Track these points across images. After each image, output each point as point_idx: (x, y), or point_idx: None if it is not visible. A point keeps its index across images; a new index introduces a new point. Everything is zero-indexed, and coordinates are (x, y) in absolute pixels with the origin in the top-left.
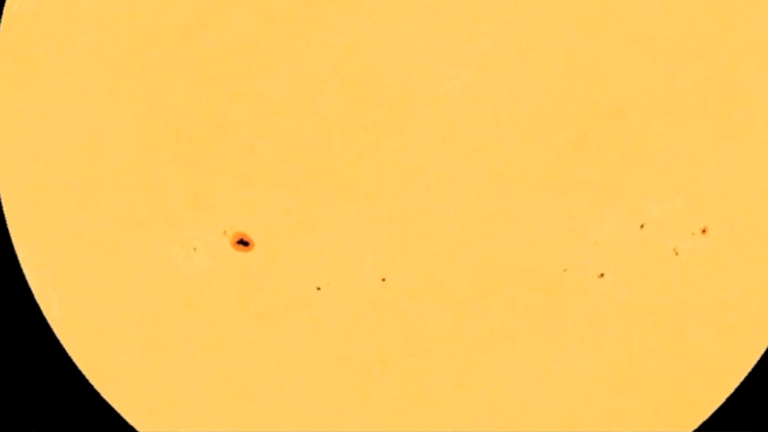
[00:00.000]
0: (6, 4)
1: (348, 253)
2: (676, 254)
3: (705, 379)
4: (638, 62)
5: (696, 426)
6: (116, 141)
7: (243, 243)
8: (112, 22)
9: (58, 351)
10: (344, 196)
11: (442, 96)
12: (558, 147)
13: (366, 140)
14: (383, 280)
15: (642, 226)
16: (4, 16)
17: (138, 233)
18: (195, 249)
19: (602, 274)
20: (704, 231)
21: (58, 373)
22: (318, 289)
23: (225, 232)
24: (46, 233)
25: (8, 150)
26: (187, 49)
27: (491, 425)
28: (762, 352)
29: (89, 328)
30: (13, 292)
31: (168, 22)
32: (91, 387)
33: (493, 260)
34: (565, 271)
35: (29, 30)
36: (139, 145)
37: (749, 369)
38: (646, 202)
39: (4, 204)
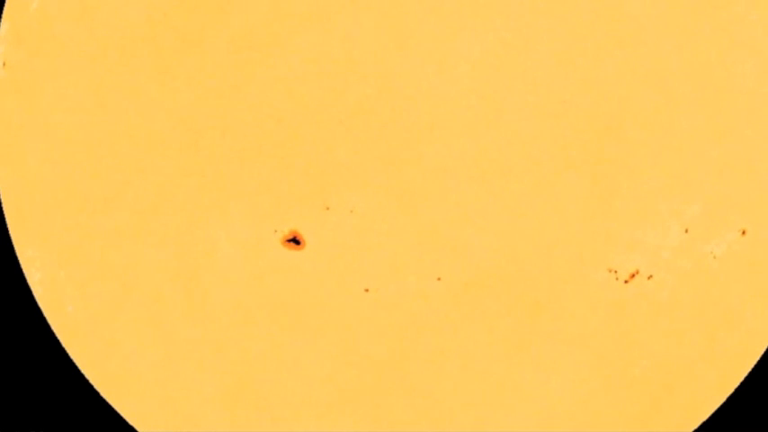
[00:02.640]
0: (8, 3)
1: (398, 253)
2: (714, 257)
3: (705, 379)
4: (673, 64)
5: (696, 426)
6: (154, 137)
7: (294, 242)
8: (124, 18)
9: (58, 351)
10: (394, 193)
11: (478, 96)
12: (596, 151)
13: (412, 139)
14: (438, 279)
15: (687, 230)
16: (8, 15)
17: (178, 229)
18: (243, 247)
19: (650, 276)
20: (744, 233)
21: (59, 374)
22: (366, 291)
23: (276, 230)
24: (61, 234)
25: (11, 150)
26: (209, 45)
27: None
28: (762, 352)
29: (97, 329)
30: (13, 291)
31: (186, 16)
32: (91, 388)
33: (543, 261)
34: (609, 272)
35: (34, 29)
36: (181, 138)
37: (749, 369)
38: (686, 205)
39: (3, 203)
